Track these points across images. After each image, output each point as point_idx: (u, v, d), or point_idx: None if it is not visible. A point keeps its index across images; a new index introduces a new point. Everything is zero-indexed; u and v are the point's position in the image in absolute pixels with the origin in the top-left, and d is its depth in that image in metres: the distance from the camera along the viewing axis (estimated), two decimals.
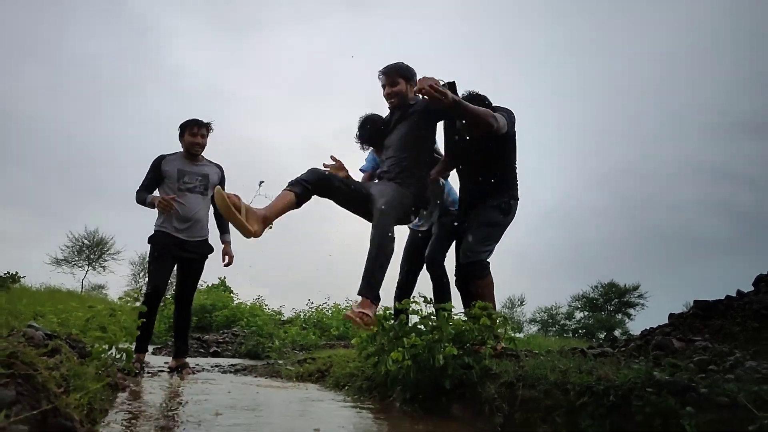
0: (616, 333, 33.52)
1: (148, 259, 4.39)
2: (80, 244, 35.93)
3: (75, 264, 35.88)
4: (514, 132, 3.43)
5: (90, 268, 36.18)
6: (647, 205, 72.06)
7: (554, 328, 41.62)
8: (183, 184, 4.31)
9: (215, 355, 7.93)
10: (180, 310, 4.44)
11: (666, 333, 2.72)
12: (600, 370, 2.01)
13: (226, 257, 4.65)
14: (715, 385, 1.71)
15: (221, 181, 4.54)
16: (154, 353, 6.30)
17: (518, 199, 3.52)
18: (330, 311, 12.62)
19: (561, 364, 2.18)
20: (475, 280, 3.39)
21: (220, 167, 4.58)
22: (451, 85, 3.14)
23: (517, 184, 3.54)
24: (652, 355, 2.25)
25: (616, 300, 42.61)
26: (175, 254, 4.31)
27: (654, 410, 1.73)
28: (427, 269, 3.89)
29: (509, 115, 3.38)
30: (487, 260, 3.46)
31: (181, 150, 4.43)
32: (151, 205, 4.18)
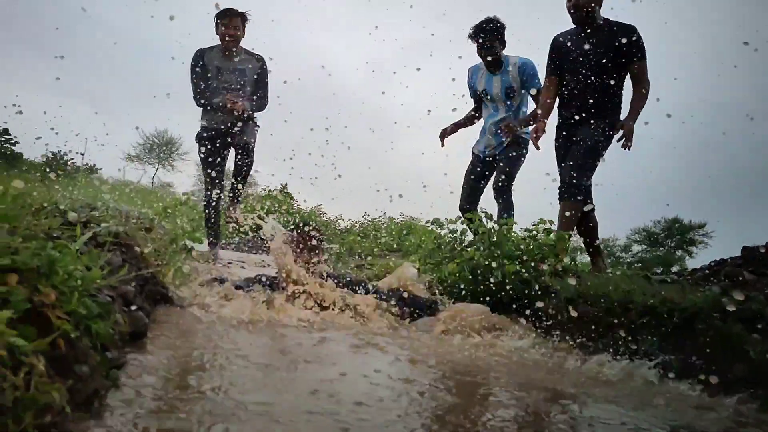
0: (674, 270, 32.55)
1: (199, 158, 4.37)
2: (151, 142, 37.51)
3: (146, 161, 37.73)
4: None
5: (160, 166, 37.96)
6: (720, 140, 67.10)
7: (610, 260, 40.82)
8: (221, 82, 4.28)
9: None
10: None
11: (737, 265, 2.64)
12: (665, 293, 2.00)
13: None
14: None
15: (261, 74, 4.43)
16: (222, 248, 6.70)
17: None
18: (384, 224, 12.90)
19: (624, 284, 2.19)
20: (561, 201, 3.36)
21: (260, 59, 4.44)
22: None
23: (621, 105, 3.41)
24: (721, 284, 2.21)
25: (678, 237, 40.93)
26: (224, 141, 4.32)
27: (718, 335, 1.73)
28: (494, 196, 3.86)
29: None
30: (585, 186, 3.38)
31: (219, 43, 4.33)
32: (218, 106, 4.18)
